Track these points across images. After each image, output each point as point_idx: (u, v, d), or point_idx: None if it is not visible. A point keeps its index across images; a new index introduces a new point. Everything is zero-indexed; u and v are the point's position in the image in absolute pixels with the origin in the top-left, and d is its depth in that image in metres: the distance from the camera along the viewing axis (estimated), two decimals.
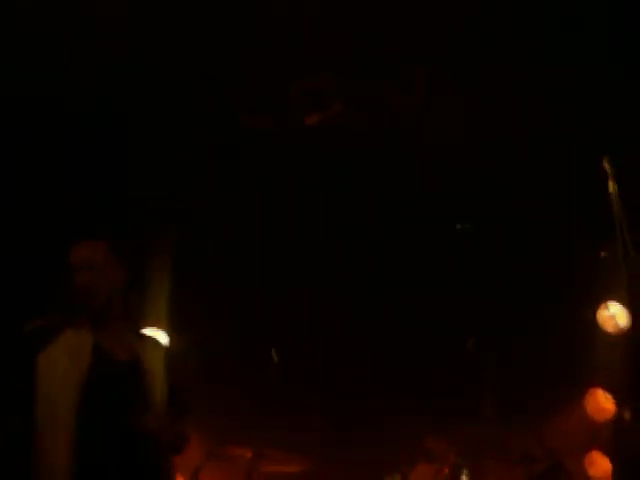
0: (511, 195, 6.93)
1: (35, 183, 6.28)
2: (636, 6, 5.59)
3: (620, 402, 7.04)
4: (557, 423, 7.43)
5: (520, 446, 6.37)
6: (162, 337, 7.27)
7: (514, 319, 7.29)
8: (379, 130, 6.63)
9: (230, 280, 7.56)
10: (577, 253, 7.18)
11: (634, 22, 5.68)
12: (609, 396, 7.33)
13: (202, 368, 7.36)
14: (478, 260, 7.26)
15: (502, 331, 7.18)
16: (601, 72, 5.81)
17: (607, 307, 7.15)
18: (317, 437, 7.30)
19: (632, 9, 5.61)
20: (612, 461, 6.92)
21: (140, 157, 6.58)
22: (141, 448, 3.99)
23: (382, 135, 6.67)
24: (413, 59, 6.04)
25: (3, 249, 6.10)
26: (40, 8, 5.43)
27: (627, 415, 6.67)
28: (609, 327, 7.12)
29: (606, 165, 4.18)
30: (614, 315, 7.10)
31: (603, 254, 6.99)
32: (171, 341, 7.39)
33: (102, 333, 4.16)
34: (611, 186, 4.15)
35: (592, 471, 7.17)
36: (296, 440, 6.83)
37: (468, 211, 7.21)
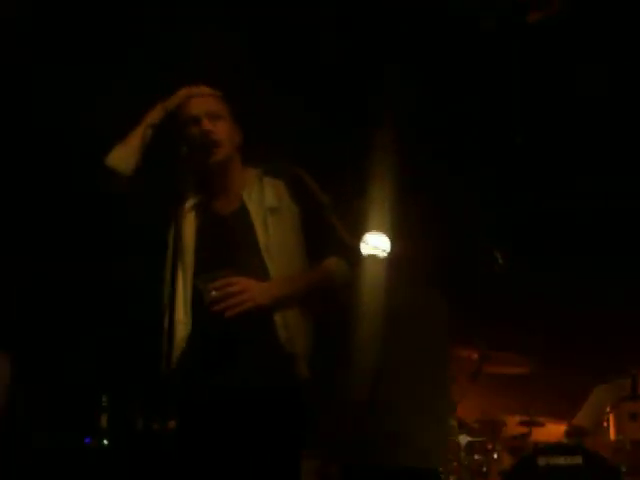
0: None
1: None
2: None
3: None
4: None
5: None
6: (384, 241, 7.24)
7: None
8: None
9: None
10: None
11: None
12: None
13: (424, 270, 7.11)
14: None
15: None
16: None
17: None
18: (541, 340, 6.44)
19: None
20: None
21: None
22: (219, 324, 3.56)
23: None
24: None
25: None
26: None
27: None
28: None
29: None
30: None
31: None
32: (393, 245, 7.28)
33: (214, 192, 3.84)
34: None
35: None
36: (520, 343, 6.25)
37: None
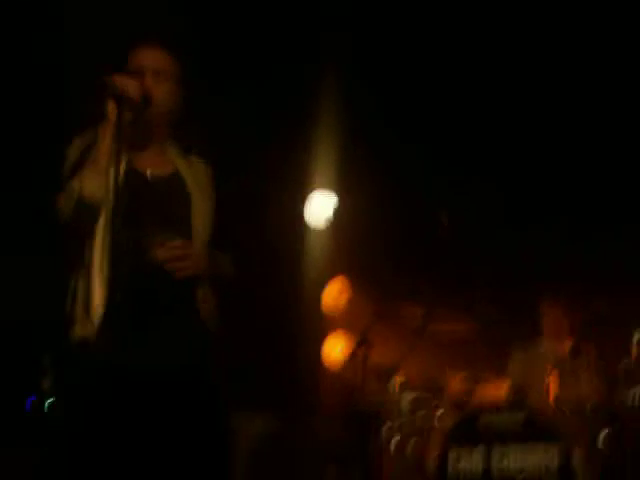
0: None
1: None
2: None
3: None
4: None
5: None
6: (330, 198, 7.34)
7: None
8: None
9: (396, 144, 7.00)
10: None
11: None
12: None
13: (370, 228, 7.28)
14: None
15: None
16: None
17: None
18: (483, 297, 6.61)
19: None
20: None
21: None
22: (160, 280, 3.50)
23: None
24: None
25: None
26: None
27: None
28: None
29: None
30: None
31: None
32: (339, 202, 7.52)
33: (140, 149, 3.74)
34: None
35: None
36: (465, 301, 6.52)
37: None
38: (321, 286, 7.70)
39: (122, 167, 3.60)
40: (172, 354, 3.57)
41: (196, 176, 3.83)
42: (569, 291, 6.47)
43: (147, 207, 3.67)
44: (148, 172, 3.75)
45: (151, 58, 3.77)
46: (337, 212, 7.48)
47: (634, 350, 5.69)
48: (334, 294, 7.74)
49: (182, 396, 3.54)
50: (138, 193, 3.67)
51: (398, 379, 5.93)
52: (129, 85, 3.55)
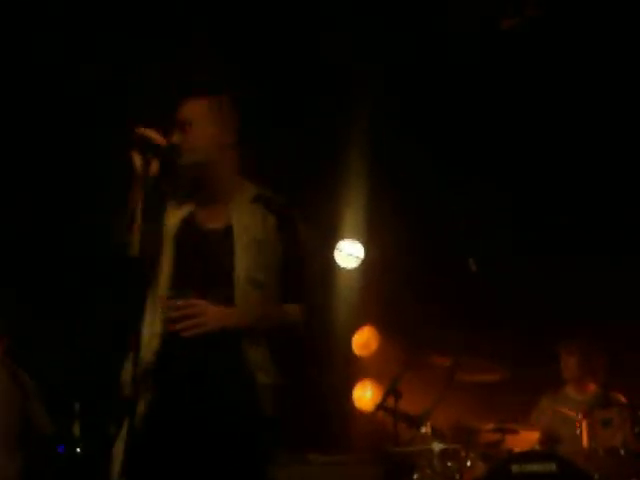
0: None
1: None
2: None
3: None
4: None
5: None
6: (358, 248, 7.44)
7: None
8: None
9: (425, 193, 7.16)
10: None
11: None
12: None
13: (399, 277, 7.34)
14: None
15: None
16: None
17: None
18: (514, 346, 6.75)
19: None
20: None
21: None
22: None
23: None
24: None
25: None
26: None
27: None
28: None
29: None
30: None
31: None
32: (367, 253, 7.57)
33: (200, 200, 3.80)
34: None
35: None
36: (493, 349, 6.38)
37: None
38: (350, 335, 7.74)
39: (175, 219, 3.78)
40: (212, 403, 3.63)
41: (252, 227, 3.82)
42: (586, 336, 6.50)
43: (197, 261, 3.76)
44: (206, 226, 3.82)
45: (185, 108, 3.80)
46: (366, 260, 7.52)
47: None
48: (363, 342, 7.76)
49: (223, 443, 3.60)
50: (193, 247, 3.78)
51: (427, 428, 5.90)
52: (151, 133, 3.63)
